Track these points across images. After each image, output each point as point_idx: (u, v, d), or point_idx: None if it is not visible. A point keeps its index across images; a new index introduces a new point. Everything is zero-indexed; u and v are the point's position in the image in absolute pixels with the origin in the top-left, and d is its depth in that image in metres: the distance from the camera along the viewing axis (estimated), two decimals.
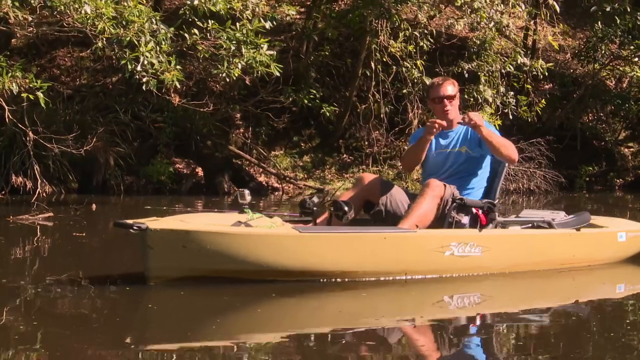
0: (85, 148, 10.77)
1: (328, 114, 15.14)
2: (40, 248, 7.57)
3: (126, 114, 14.03)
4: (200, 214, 5.91)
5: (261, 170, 15.36)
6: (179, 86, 9.45)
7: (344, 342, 4.38)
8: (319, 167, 15.96)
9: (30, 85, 8.78)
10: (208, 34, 10.42)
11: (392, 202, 6.14)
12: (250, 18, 10.35)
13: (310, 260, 5.53)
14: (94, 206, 10.94)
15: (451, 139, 6.28)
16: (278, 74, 10.62)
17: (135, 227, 5.27)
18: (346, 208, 5.81)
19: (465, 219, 5.99)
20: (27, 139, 10.24)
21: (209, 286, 5.31)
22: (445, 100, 6.17)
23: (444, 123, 6.02)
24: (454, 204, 5.94)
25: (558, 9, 15.44)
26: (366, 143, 16.01)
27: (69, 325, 4.58)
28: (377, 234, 5.71)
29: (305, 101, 15.09)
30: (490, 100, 14.73)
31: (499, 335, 4.59)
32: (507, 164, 6.38)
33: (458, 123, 6.12)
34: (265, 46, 10.47)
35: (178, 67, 9.37)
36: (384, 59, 15.05)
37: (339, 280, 5.59)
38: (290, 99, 15.06)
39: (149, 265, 5.33)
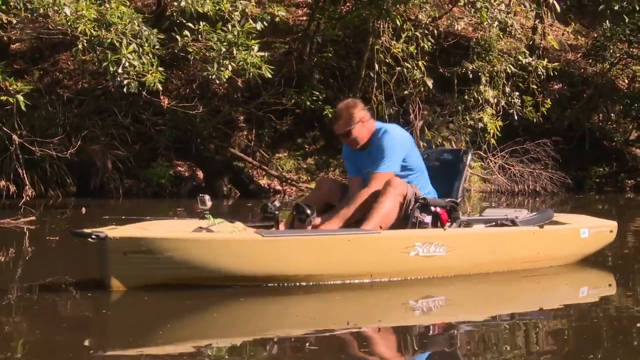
0: (70, 151, 10.62)
1: (331, 115, 14.92)
2: (7, 252, 7.43)
3: (126, 117, 13.94)
4: (161, 221, 5.73)
5: (264, 172, 15.23)
6: (160, 88, 9.32)
7: (305, 347, 4.26)
8: (323, 169, 15.83)
9: (10, 89, 8.65)
10: (199, 36, 10.32)
11: None
12: (239, 19, 10.25)
13: (273, 265, 5.44)
14: (84, 210, 10.83)
15: (368, 159, 6.08)
16: (270, 76, 10.51)
17: (93, 236, 5.18)
18: (309, 211, 5.70)
19: (427, 219, 5.92)
20: (12, 142, 10.11)
21: (172, 290, 5.20)
22: (343, 138, 6.04)
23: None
24: (417, 203, 5.85)
25: (558, 9, 15.19)
26: None
27: (26, 331, 4.51)
28: (340, 236, 5.62)
29: (308, 103, 14.91)
30: (492, 100, 14.49)
31: (464, 340, 4.50)
32: (468, 162, 6.31)
33: None
34: (256, 47, 10.36)
35: (160, 68, 9.23)
36: (387, 60, 14.88)
37: (303, 283, 5.51)
38: (293, 100, 14.90)
39: (108, 274, 5.24)
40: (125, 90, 9.14)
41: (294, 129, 16.09)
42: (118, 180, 13.54)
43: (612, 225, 6.85)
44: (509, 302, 5.71)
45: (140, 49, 9.26)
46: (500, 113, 15.05)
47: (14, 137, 9.89)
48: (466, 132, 16.08)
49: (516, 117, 15.34)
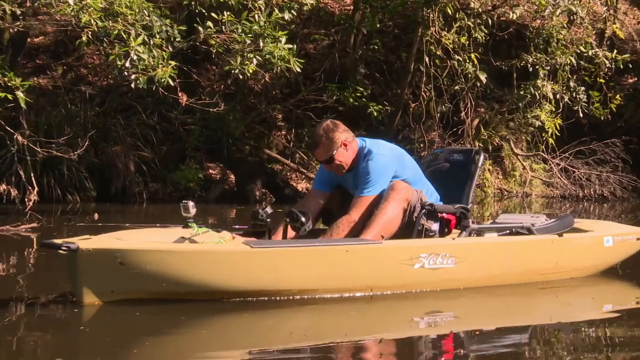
0: (78, 152, 10.54)
1: (376, 113, 14.67)
2: None
3: (152, 115, 13.80)
4: (140, 230, 5.67)
5: (303, 175, 14.96)
6: (172, 83, 9.12)
7: None
8: None
9: (9, 84, 8.52)
10: (223, 27, 10.10)
11: None
12: (262, 8, 10.01)
13: (264, 278, 5.34)
14: (96, 215, 10.74)
15: (354, 180, 5.97)
16: (299, 70, 10.26)
17: (64, 248, 5.07)
18: (303, 218, 5.59)
19: (435, 226, 5.82)
20: (15, 142, 10.02)
21: (156, 304, 5.14)
22: (325, 164, 5.93)
23: None
24: (423, 210, 5.74)
25: None
26: (421, 145, 15.47)
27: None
28: (338, 246, 5.50)
29: (351, 100, 14.67)
30: (551, 96, 14.05)
31: (474, 359, 4.42)
32: (480, 164, 6.21)
33: None
34: (283, 39, 10.12)
35: (172, 62, 9.02)
36: (437, 52, 14.56)
37: (297, 297, 5.42)
38: (335, 97, 14.65)
39: (80, 288, 5.13)
40: (133, 85, 8.94)
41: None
42: (142, 184, 13.42)
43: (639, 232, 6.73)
44: (523, 318, 5.54)
45: (151, 41, 9.04)
46: (561, 110, 14.58)
47: (17, 136, 9.75)
48: (527, 131, 15.70)
49: (581, 115, 14.89)
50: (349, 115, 15.30)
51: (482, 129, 15.52)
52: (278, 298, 5.38)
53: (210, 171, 14.49)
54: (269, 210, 5.76)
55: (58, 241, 5.14)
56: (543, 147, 15.10)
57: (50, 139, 11.72)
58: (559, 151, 15.45)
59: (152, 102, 13.78)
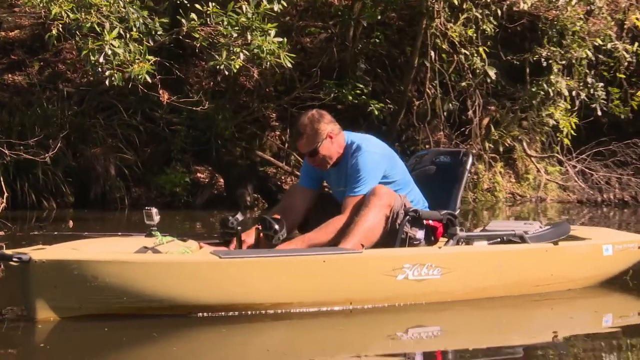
0: (49, 154, 10.52)
1: (377, 112, 14.63)
2: None
3: (135, 115, 13.78)
4: (100, 240, 5.66)
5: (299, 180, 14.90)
6: (149, 80, 9.10)
7: None
8: None
9: None
10: (208, 19, 10.08)
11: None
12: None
13: (234, 291, 5.33)
14: (70, 223, 10.66)
15: (337, 177, 6.01)
16: (289, 65, 10.24)
17: (15, 259, 5.06)
18: (277, 226, 5.59)
19: (419, 234, 5.81)
20: None
21: (122, 319, 5.13)
22: (309, 157, 5.94)
23: None
24: (407, 216, 5.73)
25: None
26: (426, 147, 15.41)
27: None
28: (314, 256, 5.47)
29: (350, 97, 14.63)
30: (566, 93, 14.01)
31: None
32: (469, 166, 6.21)
33: None
34: (272, 32, 10.09)
35: (149, 57, 9.00)
36: (443, 46, 14.54)
37: (270, 311, 5.42)
38: (332, 95, 14.59)
39: (33, 303, 5.12)
40: (107, 83, 8.94)
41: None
42: (123, 189, 13.41)
43: None
44: (516, 332, 5.57)
45: (128, 35, 9.03)
46: (577, 108, 14.56)
47: None
48: (542, 131, 15.64)
49: (600, 113, 14.84)
50: (348, 114, 15.26)
51: (493, 128, 15.46)
52: (249, 312, 5.35)
53: (198, 175, 14.46)
54: (240, 217, 5.72)
55: (9, 252, 5.11)
56: (558, 148, 15.03)
57: (24, 140, 11.69)
58: (575, 152, 15.38)
59: (135, 100, 13.76)
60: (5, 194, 10.32)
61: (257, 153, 14.79)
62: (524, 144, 15.77)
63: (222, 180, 14.41)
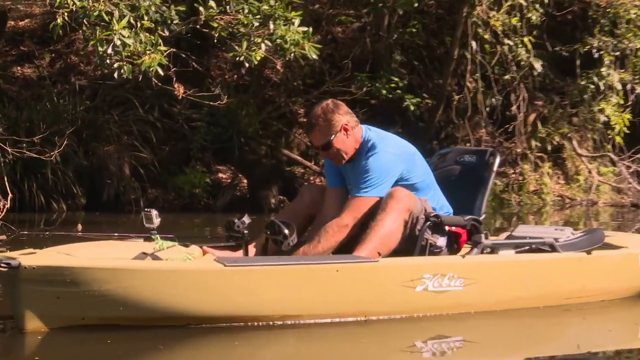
0: (55, 152, 10.44)
1: (413, 107, 14.59)
2: None
3: (152, 110, 13.73)
4: (95, 243, 5.70)
5: None
6: (161, 72, 9.01)
7: None
8: None
9: None
10: (227, 7, 10.00)
11: None
12: None
13: (239, 302, 5.32)
14: (79, 226, 10.73)
15: (353, 174, 5.91)
16: (315, 57, 10.14)
17: (3, 264, 5.06)
18: (287, 231, 5.49)
19: (441, 241, 5.79)
20: None
21: (118, 330, 5.14)
22: (322, 151, 5.91)
23: None
24: (428, 222, 5.69)
25: None
26: (467, 145, 15.29)
27: None
28: (326, 265, 5.46)
29: (384, 92, 14.60)
30: (619, 87, 13.88)
31: None
32: (496, 167, 6.14)
33: None
34: (297, 21, 9.98)
35: (162, 48, 8.90)
36: (485, 36, 14.48)
37: (277, 322, 5.43)
38: (365, 89, 14.55)
39: (22, 312, 5.12)
40: (115, 75, 8.85)
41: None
42: (138, 190, 13.40)
43: None
44: (545, 344, 5.49)
45: (139, 24, 8.94)
46: (631, 103, 14.46)
47: None
48: (594, 128, 15.51)
49: None
50: (382, 110, 15.30)
51: (540, 125, 15.36)
52: (255, 324, 5.35)
53: (219, 175, 14.45)
54: (246, 220, 5.68)
55: None
56: (610, 146, 14.88)
57: (32, 137, 11.66)
58: (629, 152, 15.21)
59: (152, 95, 13.75)
60: (10, 195, 10.23)
61: (283, 152, 14.79)
62: (574, 142, 15.68)
63: (245, 180, 14.41)
